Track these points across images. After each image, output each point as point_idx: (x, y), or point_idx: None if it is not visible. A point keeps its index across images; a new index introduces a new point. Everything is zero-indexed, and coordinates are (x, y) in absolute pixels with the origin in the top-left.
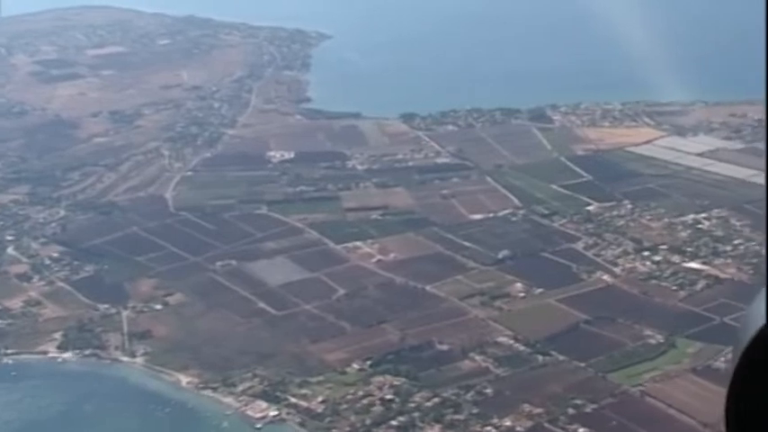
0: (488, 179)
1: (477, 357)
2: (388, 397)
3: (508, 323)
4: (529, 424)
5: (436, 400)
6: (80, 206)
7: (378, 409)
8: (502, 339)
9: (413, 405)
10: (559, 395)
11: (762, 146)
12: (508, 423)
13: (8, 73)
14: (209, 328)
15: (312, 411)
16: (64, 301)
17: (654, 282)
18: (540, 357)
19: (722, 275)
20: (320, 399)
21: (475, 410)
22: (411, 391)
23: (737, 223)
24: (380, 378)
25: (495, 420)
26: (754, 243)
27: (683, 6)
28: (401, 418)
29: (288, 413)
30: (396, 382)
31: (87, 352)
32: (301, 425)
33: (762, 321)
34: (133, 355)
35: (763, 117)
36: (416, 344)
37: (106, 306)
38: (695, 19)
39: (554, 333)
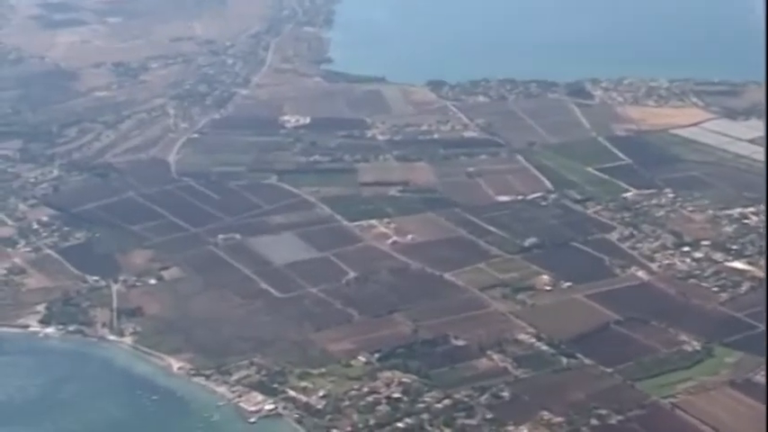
0: (519, 158)
1: (496, 356)
2: (396, 395)
3: (531, 319)
4: None
5: (448, 401)
6: (75, 166)
7: (383, 408)
8: (523, 337)
9: (422, 406)
10: (582, 403)
11: None
12: (524, 431)
13: (6, 15)
14: (206, 308)
15: (311, 407)
16: (50, 271)
17: (693, 281)
18: (565, 359)
19: None
20: (321, 393)
21: (489, 415)
22: (421, 389)
23: None
24: (388, 374)
25: (511, 428)
26: None
27: None
28: (408, 420)
29: (285, 407)
30: (405, 379)
31: (72, 328)
32: (299, 422)
33: None
34: (121, 334)
35: None
36: (430, 338)
37: (95, 278)
38: None
39: (581, 333)
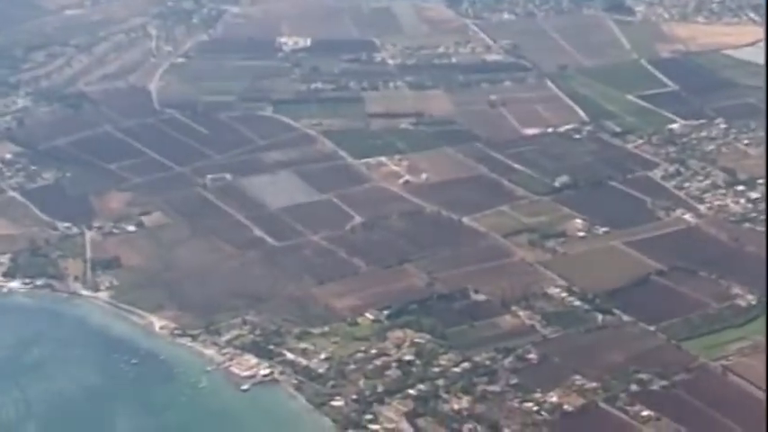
0: (549, 84)
1: (521, 312)
2: (408, 358)
3: (562, 270)
4: (580, 402)
5: (466, 364)
6: (43, 95)
7: (393, 372)
8: (553, 291)
9: (437, 370)
10: (621, 366)
11: None
12: (554, 399)
13: None
14: (192, 259)
15: (312, 371)
16: (15, 216)
17: (748, 225)
18: (600, 316)
19: None
20: (323, 356)
21: (513, 380)
22: (436, 351)
23: None
24: (399, 333)
25: (538, 395)
26: None
27: None
28: (421, 386)
29: (282, 372)
30: (418, 339)
31: (40, 282)
32: (297, 388)
33: None
34: (96, 289)
35: None
36: (446, 291)
37: (66, 225)
38: None
39: (619, 286)
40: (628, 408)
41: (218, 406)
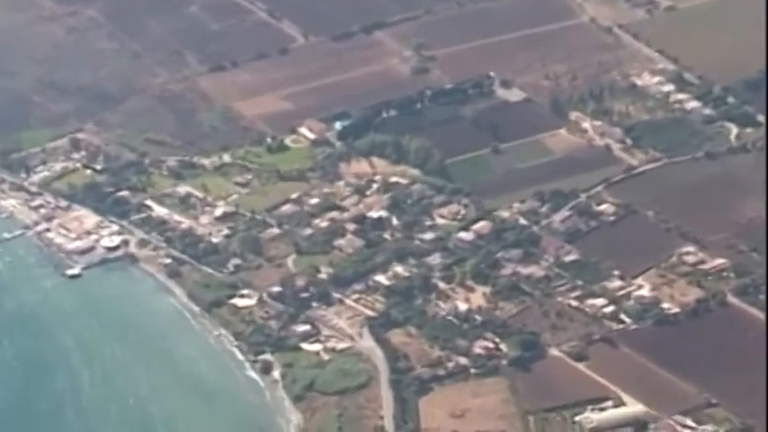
0: None
1: (588, 122)
2: (378, 215)
3: (663, 39)
4: None
5: (485, 228)
6: None
7: (350, 243)
8: (647, 78)
9: (429, 238)
10: None
11: None
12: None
13: None
14: None
15: (200, 240)
16: None
17: None
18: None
19: None
20: (220, 210)
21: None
22: (430, 202)
23: None
24: (362, 165)
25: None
26: None
27: None
28: (399, 269)
29: (143, 242)
30: (397, 178)
31: None
32: (172, 275)
33: None
34: None
35: None
36: (449, 82)
37: None
38: None
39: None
40: None
41: (18, 313)
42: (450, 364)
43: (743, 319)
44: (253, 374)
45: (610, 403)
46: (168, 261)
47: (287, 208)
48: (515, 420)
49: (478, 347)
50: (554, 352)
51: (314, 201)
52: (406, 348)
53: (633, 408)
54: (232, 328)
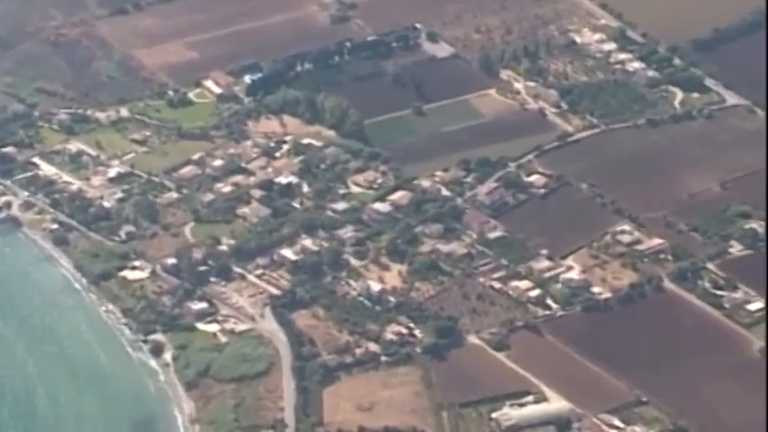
0: None
1: (521, 83)
2: (287, 181)
3: None
4: None
5: (403, 198)
6: None
7: (255, 211)
8: (587, 35)
9: (342, 208)
10: None
11: None
12: None
13: None
14: None
15: (90, 204)
16: None
17: None
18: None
19: None
20: (114, 171)
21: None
22: (345, 167)
23: None
24: (271, 123)
25: None
26: None
27: None
28: (307, 243)
29: (27, 204)
30: (309, 140)
31: None
32: (58, 242)
33: None
34: None
35: None
36: (371, 33)
37: None
38: None
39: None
40: None
41: None
42: (359, 351)
43: (680, 306)
44: (141, 357)
45: (531, 398)
46: (55, 226)
47: (187, 170)
48: (427, 416)
49: (391, 333)
50: (473, 339)
51: (217, 162)
52: (312, 332)
53: (556, 404)
54: (121, 304)
